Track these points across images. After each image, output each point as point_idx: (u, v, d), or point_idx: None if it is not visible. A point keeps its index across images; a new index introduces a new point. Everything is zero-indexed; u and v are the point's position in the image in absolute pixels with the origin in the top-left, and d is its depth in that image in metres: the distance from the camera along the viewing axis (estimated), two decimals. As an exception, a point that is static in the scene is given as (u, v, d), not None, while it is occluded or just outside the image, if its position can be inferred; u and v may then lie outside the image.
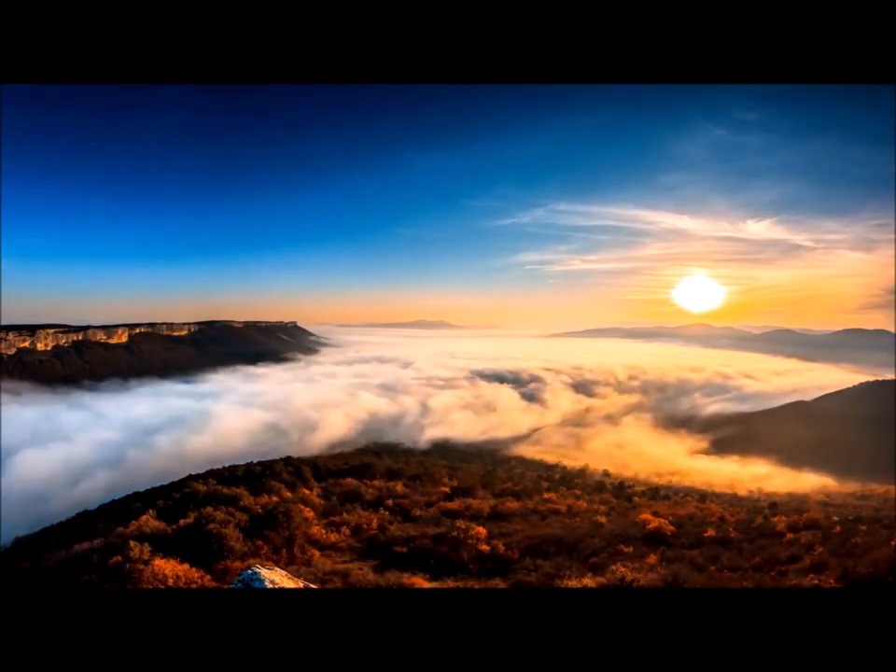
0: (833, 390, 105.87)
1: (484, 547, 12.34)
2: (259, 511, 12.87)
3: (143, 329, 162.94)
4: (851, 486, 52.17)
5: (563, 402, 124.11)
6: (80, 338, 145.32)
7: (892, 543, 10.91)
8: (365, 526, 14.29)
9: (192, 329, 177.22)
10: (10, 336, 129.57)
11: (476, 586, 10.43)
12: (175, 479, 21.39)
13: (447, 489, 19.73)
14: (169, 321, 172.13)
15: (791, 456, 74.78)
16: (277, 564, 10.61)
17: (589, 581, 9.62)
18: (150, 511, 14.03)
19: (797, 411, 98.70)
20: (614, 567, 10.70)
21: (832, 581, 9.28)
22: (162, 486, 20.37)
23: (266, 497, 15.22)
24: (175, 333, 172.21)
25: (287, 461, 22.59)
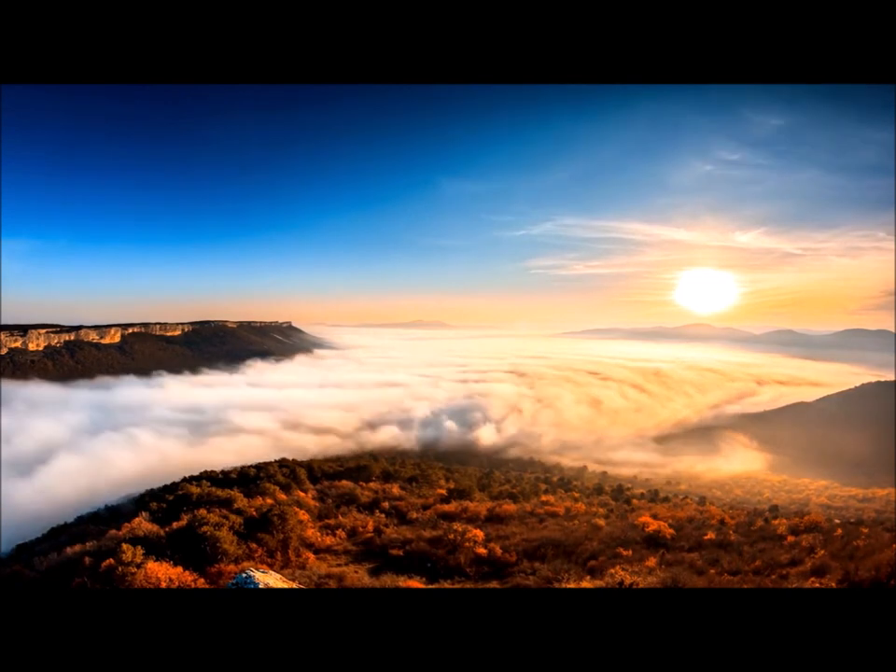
0: (834, 391, 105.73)
1: (481, 550, 12.22)
2: (254, 513, 12.75)
3: (136, 329, 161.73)
4: (853, 489, 51.90)
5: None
6: (72, 338, 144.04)
7: (894, 546, 10.75)
8: (361, 529, 14.17)
9: (186, 329, 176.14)
10: (1, 336, 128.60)
11: (472, 590, 10.29)
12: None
13: (444, 491, 19.57)
14: (162, 321, 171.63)
15: (792, 458, 74.52)
16: (272, 567, 10.50)
17: (587, 585, 9.49)
18: (143, 514, 13.92)
19: (798, 412, 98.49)
20: (613, 571, 10.57)
21: (833, 584, 9.15)
22: (155, 489, 20.22)
23: (260, 499, 15.10)
24: (169, 333, 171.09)
25: (282, 463, 22.43)
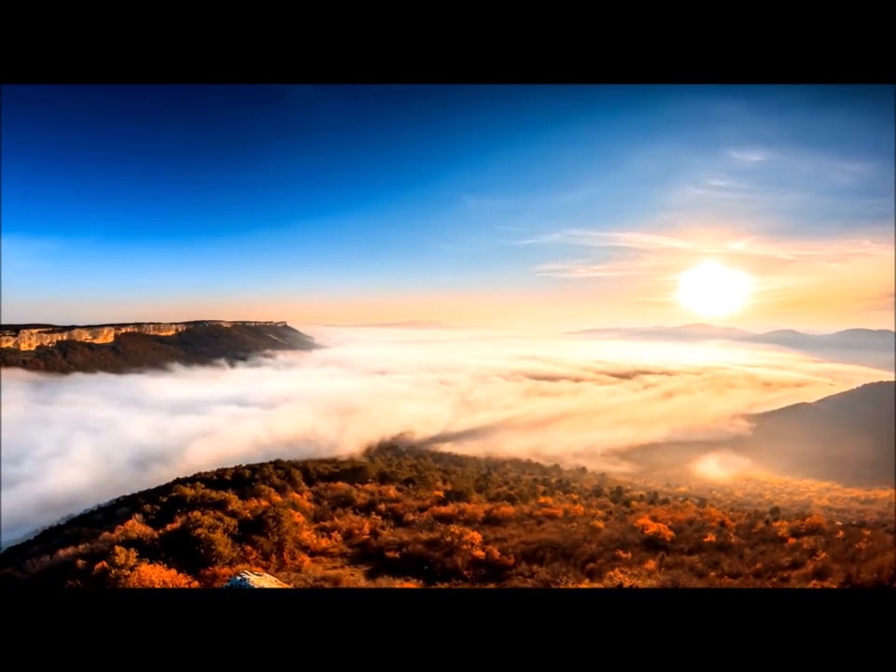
0: (836, 391, 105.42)
1: (479, 552, 12.11)
2: (248, 515, 12.61)
3: (129, 329, 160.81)
4: (855, 490, 51.65)
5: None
6: (65, 338, 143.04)
7: (897, 549, 10.62)
8: (356, 531, 14.04)
9: (180, 330, 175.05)
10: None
11: (468, 593, 10.15)
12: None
13: (441, 493, 19.42)
14: (156, 321, 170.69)
15: (794, 460, 74.32)
16: (266, 570, 10.39)
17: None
18: (136, 516, 13.86)
19: (799, 413, 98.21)
20: (612, 573, 10.48)
21: (834, 587, 9.03)
22: (149, 490, 20.12)
23: (255, 501, 14.94)
24: (163, 333, 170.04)
25: (277, 464, 22.25)
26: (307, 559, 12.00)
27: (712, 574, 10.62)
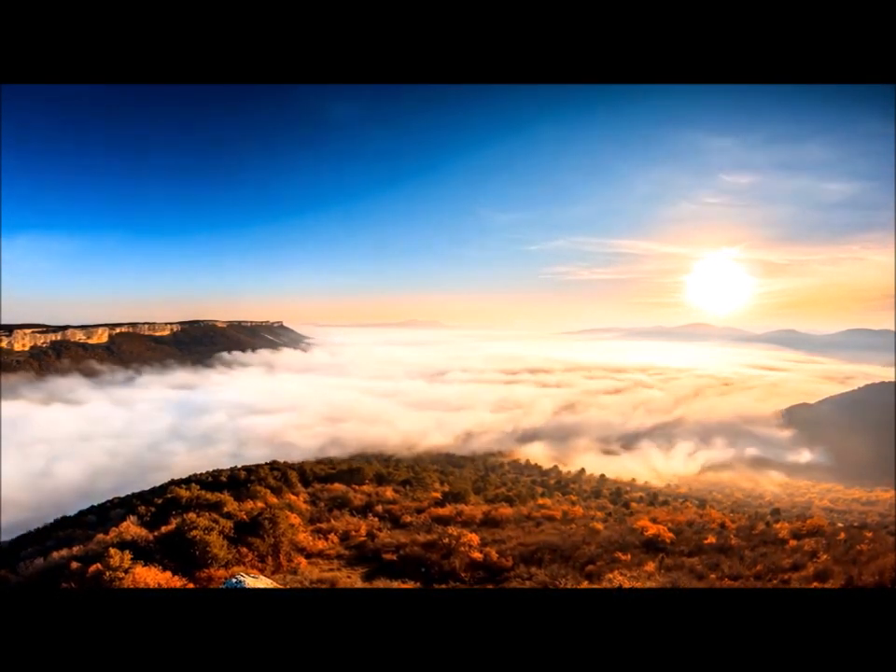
0: (836, 392, 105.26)
1: (477, 554, 12.02)
2: (244, 517, 12.54)
3: (124, 329, 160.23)
4: (856, 491, 51.51)
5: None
6: (59, 338, 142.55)
7: (899, 551, 10.52)
8: (353, 533, 13.95)
9: (175, 329, 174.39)
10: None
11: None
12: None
13: (438, 494, 19.32)
14: (151, 321, 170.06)
15: (795, 461, 74.18)
16: (262, 572, 10.32)
17: (584, 590, 9.27)
18: (131, 518, 13.77)
19: (800, 413, 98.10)
20: (611, 576, 10.40)
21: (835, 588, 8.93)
22: (143, 492, 20.05)
23: (251, 502, 14.84)
24: (157, 333, 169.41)
25: (273, 465, 22.15)
26: (303, 561, 11.92)
27: (712, 576, 10.53)
